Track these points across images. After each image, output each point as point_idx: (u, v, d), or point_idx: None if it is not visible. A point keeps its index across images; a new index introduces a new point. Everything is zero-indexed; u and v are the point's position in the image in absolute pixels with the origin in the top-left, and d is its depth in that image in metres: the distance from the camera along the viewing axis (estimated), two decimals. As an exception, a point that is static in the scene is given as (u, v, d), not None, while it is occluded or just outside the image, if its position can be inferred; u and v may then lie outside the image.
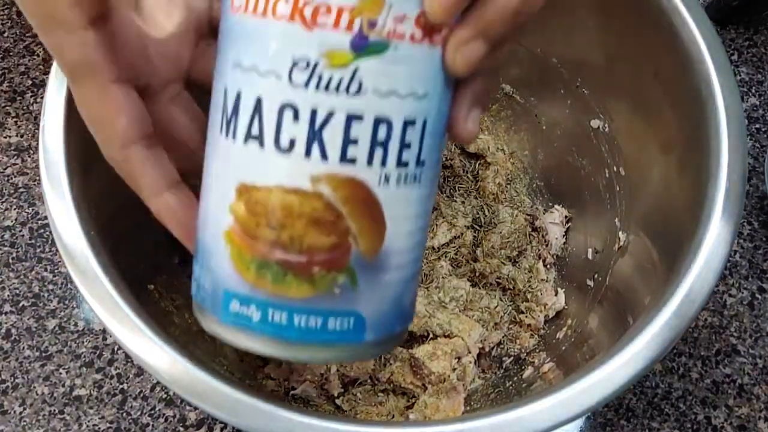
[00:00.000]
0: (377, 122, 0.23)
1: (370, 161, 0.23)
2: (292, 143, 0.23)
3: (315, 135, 0.22)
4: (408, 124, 0.23)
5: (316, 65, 0.22)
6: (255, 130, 0.23)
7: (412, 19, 0.22)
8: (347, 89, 0.22)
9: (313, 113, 0.22)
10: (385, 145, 0.23)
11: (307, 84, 0.22)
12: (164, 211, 0.28)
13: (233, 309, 0.24)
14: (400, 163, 0.23)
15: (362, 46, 0.22)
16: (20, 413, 0.43)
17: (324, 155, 0.23)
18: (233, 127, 0.24)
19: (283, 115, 0.23)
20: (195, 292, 0.26)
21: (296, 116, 0.22)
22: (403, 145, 0.23)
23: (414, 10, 0.22)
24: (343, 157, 0.23)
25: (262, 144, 0.23)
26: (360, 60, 0.22)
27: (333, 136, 0.23)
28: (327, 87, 0.22)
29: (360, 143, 0.23)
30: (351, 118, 0.22)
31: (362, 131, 0.23)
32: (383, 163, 0.23)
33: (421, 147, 0.24)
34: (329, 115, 0.22)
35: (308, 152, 0.23)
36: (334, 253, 0.23)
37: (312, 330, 0.24)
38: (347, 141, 0.23)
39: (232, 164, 0.24)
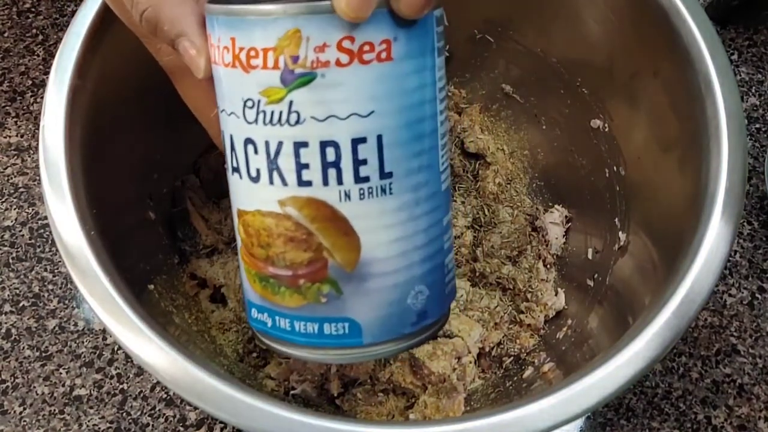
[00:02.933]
0: (323, 146, 0.24)
1: (325, 182, 0.24)
2: (258, 173, 0.25)
3: (272, 164, 0.24)
4: (357, 142, 0.24)
5: (259, 102, 0.24)
6: (234, 163, 0.26)
7: (333, 45, 0.23)
8: (288, 120, 0.24)
9: (267, 145, 0.24)
10: (336, 165, 0.24)
11: (256, 120, 0.24)
12: None
13: (254, 315, 0.28)
14: (359, 179, 0.24)
15: (290, 80, 0.23)
16: (20, 413, 0.43)
17: (284, 181, 0.24)
18: (228, 160, 0.26)
19: (248, 149, 0.25)
20: (244, 298, 0.29)
21: (256, 149, 0.24)
22: (358, 162, 0.24)
23: (334, 38, 0.23)
24: (300, 181, 0.24)
25: (240, 175, 0.25)
26: (292, 93, 0.23)
27: (287, 164, 0.24)
28: (272, 121, 0.24)
29: (312, 166, 0.24)
30: (298, 146, 0.24)
31: (311, 156, 0.24)
32: (339, 181, 0.24)
33: (382, 160, 0.24)
34: (279, 145, 0.24)
35: (271, 180, 0.24)
36: (312, 266, 0.25)
37: (311, 335, 0.26)
38: (300, 166, 0.24)
39: (232, 193, 0.27)
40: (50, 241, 0.49)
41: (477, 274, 0.46)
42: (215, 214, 0.46)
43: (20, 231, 0.49)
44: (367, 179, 0.24)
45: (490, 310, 0.45)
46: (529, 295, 0.46)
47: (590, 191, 0.46)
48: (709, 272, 0.30)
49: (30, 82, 0.55)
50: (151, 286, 0.38)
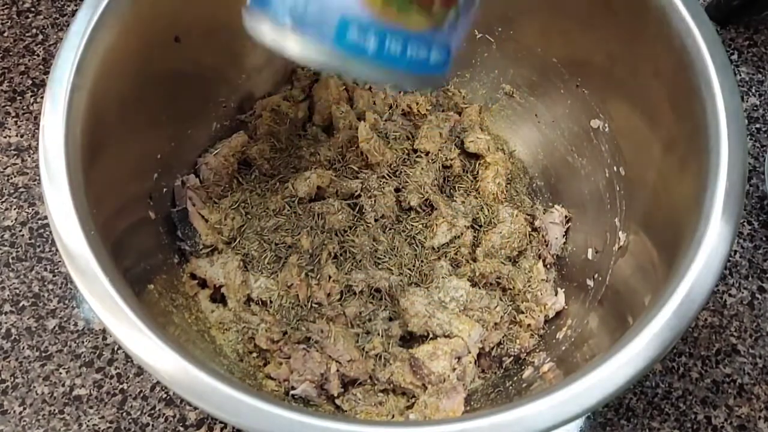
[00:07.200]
0: None
1: None
2: None
3: None
4: None
5: None
6: None
7: None
8: None
9: None
10: None
11: None
12: None
13: (351, 37, 0.26)
14: None
15: None
16: (20, 413, 0.43)
17: None
18: None
19: None
20: (288, 13, 0.26)
21: None
22: None
23: None
24: None
25: None
26: None
27: None
28: None
29: None
30: None
31: None
32: None
33: None
34: None
35: None
36: None
37: (419, 61, 0.27)
38: None
39: None
40: (50, 241, 0.49)
41: (477, 274, 0.46)
42: (215, 214, 0.46)
43: (20, 231, 0.49)
44: None
45: (490, 310, 0.45)
46: (529, 295, 0.46)
47: (590, 191, 0.46)
48: (709, 272, 0.30)
49: (30, 82, 0.55)
50: (151, 286, 0.38)
